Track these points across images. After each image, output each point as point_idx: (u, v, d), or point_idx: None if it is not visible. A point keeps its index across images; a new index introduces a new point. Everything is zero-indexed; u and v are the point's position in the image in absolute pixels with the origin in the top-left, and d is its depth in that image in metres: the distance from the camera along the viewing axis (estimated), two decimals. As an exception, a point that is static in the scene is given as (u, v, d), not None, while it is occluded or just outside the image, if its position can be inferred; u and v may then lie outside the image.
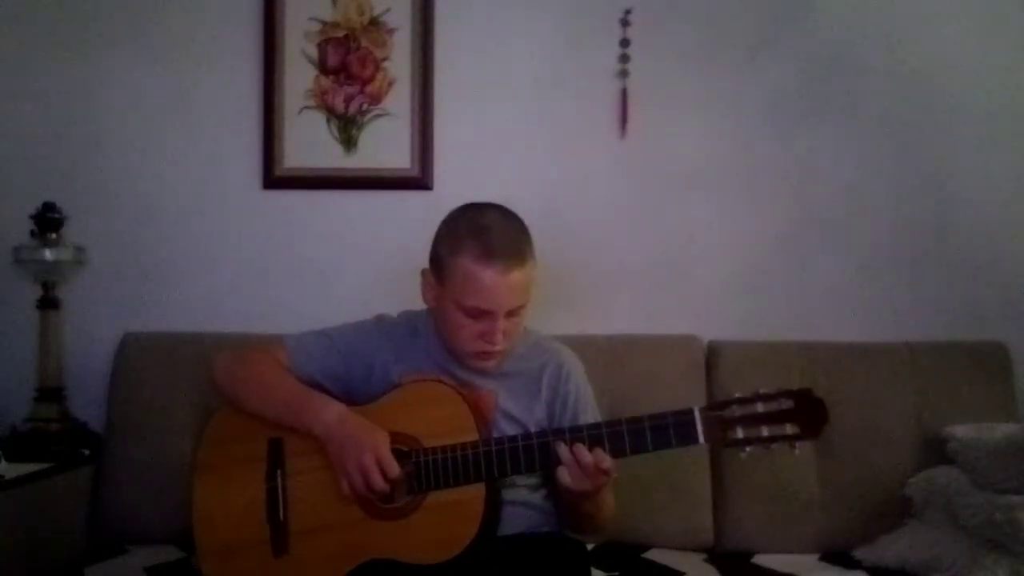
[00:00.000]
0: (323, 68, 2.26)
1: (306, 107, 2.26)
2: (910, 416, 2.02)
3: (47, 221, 2.09)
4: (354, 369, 1.58)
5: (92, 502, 2.03)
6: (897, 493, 1.95)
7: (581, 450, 1.38)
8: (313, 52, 2.26)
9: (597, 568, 1.74)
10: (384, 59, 2.26)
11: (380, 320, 1.64)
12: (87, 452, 2.05)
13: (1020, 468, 1.75)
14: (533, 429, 1.50)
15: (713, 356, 2.10)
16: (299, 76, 2.25)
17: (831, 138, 2.25)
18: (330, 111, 2.26)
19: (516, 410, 1.54)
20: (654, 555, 1.93)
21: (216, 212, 2.27)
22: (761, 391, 1.38)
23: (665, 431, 1.38)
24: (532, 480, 1.54)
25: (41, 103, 2.26)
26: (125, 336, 2.12)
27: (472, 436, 1.43)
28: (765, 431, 1.36)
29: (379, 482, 1.40)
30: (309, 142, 2.25)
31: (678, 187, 2.25)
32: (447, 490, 1.42)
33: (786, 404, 1.37)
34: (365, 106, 2.26)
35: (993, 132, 2.24)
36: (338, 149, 2.26)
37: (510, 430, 1.50)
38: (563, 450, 1.39)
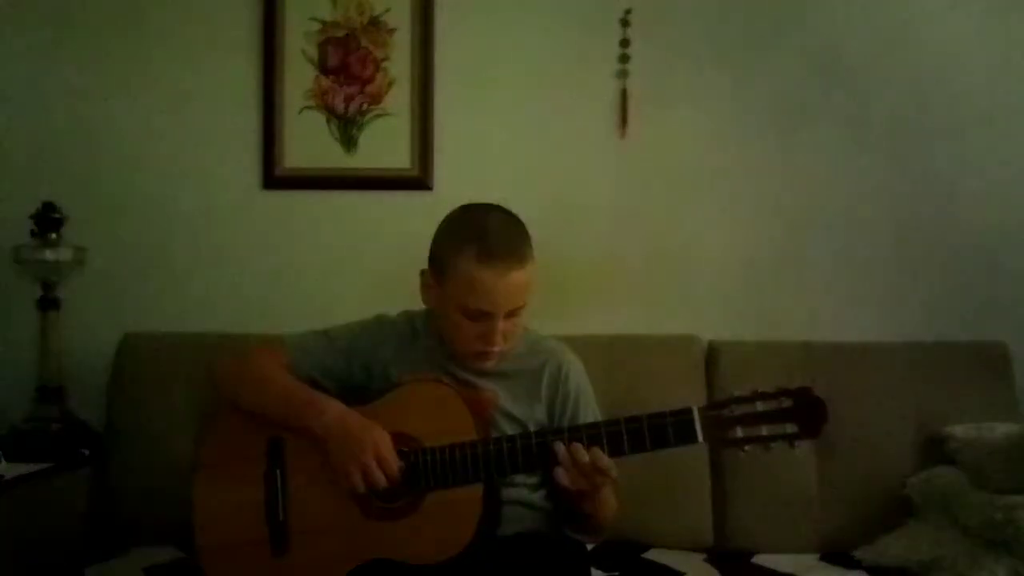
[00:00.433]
0: (323, 68, 2.26)
1: (306, 107, 2.26)
2: (910, 416, 2.02)
3: (47, 221, 2.09)
4: (354, 369, 1.58)
5: (92, 502, 2.02)
6: (897, 493, 1.95)
7: (578, 449, 1.37)
8: (313, 52, 2.26)
9: (597, 568, 1.74)
10: (384, 59, 2.26)
11: (380, 320, 1.63)
12: (87, 452, 2.05)
13: (1020, 468, 1.75)
14: (533, 429, 1.50)
15: (713, 356, 2.11)
16: (299, 76, 2.26)
17: (831, 138, 2.25)
18: (330, 111, 2.26)
19: (516, 410, 1.54)
20: (654, 555, 1.93)
21: (216, 212, 2.27)
22: (760, 390, 1.37)
23: (664, 430, 1.37)
24: (532, 480, 1.54)
25: (41, 103, 2.26)
26: (125, 336, 2.12)
27: (471, 436, 1.42)
28: (764, 430, 1.36)
29: (380, 480, 1.40)
30: (309, 142, 2.25)
31: (678, 187, 2.26)
32: (447, 490, 1.41)
33: (785, 403, 1.36)
34: (365, 106, 2.26)
35: (993, 132, 2.24)
36: (338, 149, 2.26)
37: (510, 430, 1.50)
38: (560, 450, 1.39)
